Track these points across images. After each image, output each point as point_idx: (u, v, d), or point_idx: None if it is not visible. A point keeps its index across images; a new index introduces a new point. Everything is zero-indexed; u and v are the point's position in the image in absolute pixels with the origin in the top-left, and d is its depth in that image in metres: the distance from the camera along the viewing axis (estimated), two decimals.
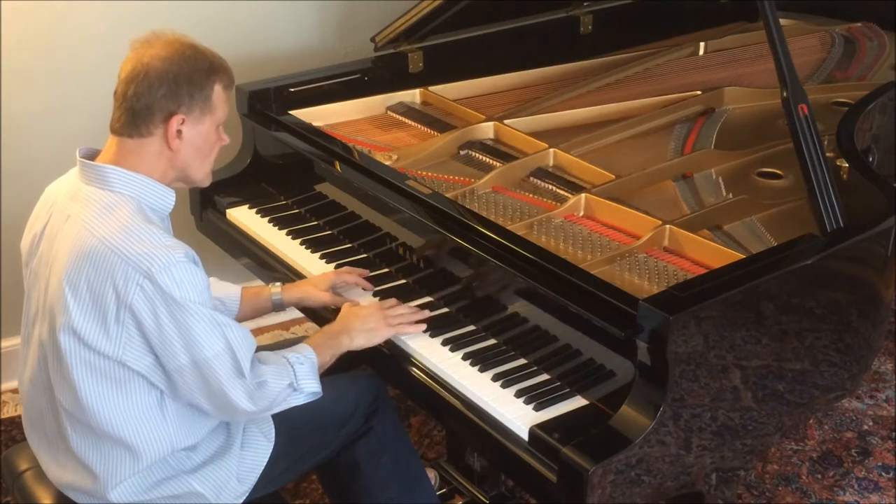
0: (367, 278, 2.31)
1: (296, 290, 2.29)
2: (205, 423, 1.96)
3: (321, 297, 2.26)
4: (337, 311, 2.20)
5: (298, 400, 1.98)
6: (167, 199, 1.92)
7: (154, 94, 1.83)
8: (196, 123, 1.88)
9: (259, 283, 2.52)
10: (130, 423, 1.86)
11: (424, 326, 2.12)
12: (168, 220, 1.98)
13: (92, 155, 1.92)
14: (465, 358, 2.04)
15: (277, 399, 1.94)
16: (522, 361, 2.02)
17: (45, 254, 1.90)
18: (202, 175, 1.96)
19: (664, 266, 2.08)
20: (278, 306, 2.30)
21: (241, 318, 2.26)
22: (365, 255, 2.41)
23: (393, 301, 2.18)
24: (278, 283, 2.30)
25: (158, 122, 1.85)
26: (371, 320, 2.10)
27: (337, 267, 2.37)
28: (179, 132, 1.86)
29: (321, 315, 2.30)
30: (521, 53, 3.06)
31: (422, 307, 2.19)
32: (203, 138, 1.91)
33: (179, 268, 1.78)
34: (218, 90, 1.90)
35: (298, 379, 1.95)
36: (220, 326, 1.83)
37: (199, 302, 1.81)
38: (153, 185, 1.89)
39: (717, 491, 2.02)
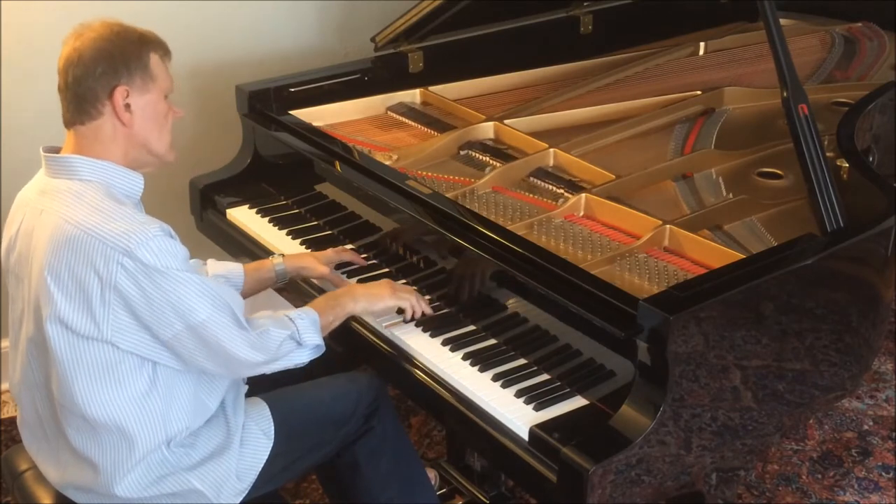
0: (366, 279, 2.31)
1: (298, 260, 2.33)
2: (198, 407, 1.97)
3: (320, 269, 2.30)
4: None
5: (303, 355, 2.00)
6: (135, 183, 1.93)
7: (92, 73, 1.86)
8: (142, 93, 1.90)
9: None
10: (121, 407, 1.87)
11: (429, 309, 2.15)
12: (141, 206, 1.98)
13: (54, 151, 1.94)
14: (465, 358, 2.04)
15: (281, 350, 1.95)
16: (522, 361, 2.02)
17: (24, 252, 1.91)
18: (163, 147, 1.97)
19: (664, 266, 2.08)
20: (281, 276, 2.33)
21: (246, 293, 2.29)
22: (365, 255, 2.41)
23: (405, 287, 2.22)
24: (280, 254, 2.34)
25: (104, 100, 1.87)
26: (376, 288, 2.15)
27: (337, 267, 2.37)
28: (128, 105, 1.88)
29: None
30: (521, 53, 3.06)
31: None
32: (153, 108, 1.92)
33: (157, 241, 1.80)
34: (154, 59, 1.92)
35: (300, 331, 1.98)
36: (207, 287, 1.86)
37: (182, 269, 1.83)
38: (119, 169, 1.90)
39: (717, 491, 2.02)
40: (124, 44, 1.88)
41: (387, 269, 2.35)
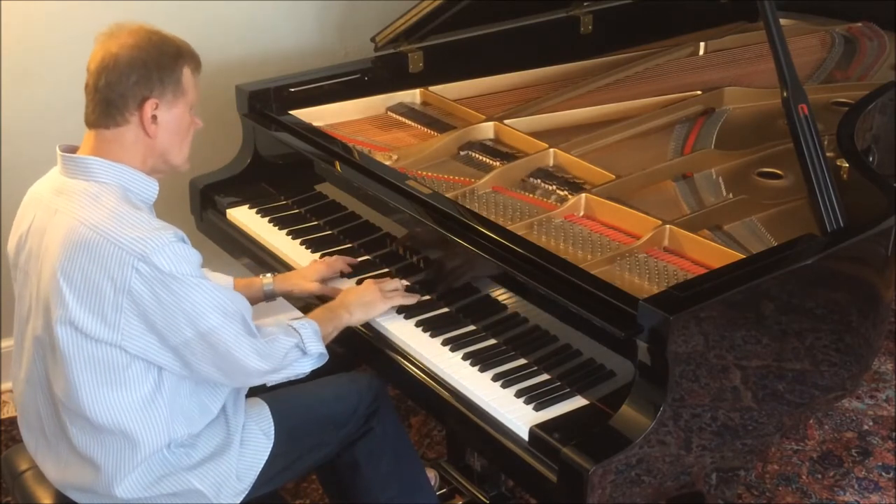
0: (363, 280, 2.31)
1: (286, 282, 2.33)
2: (202, 411, 1.97)
3: (309, 287, 2.30)
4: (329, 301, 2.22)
5: (306, 365, 2.01)
6: (151, 188, 1.94)
7: (126, 81, 1.85)
8: (170, 107, 1.90)
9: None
10: (126, 411, 1.87)
11: (417, 297, 2.19)
12: (153, 212, 1.98)
13: (71, 150, 1.94)
14: (465, 358, 2.04)
15: (287, 358, 1.96)
16: (522, 361, 2.02)
17: (34, 250, 1.91)
18: (181, 159, 1.98)
19: (664, 266, 2.08)
20: (269, 296, 2.34)
21: None
22: (365, 256, 2.41)
23: (387, 279, 2.24)
24: (269, 274, 2.35)
25: (133, 109, 1.87)
26: (367, 294, 2.16)
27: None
28: (154, 117, 1.89)
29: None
30: (521, 53, 3.06)
31: (422, 306, 2.19)
32: (178, 122, 1.93)
33: (172, 247, 1.81)
34: (187, 73, 1.92)
35: (305, 340, 1.99)
36: (219, 294, 1.86)
37: (197, 275, 1.84)
38: (136, 174, 1.91)
39: (717, 491, 2.02)
40: (161, 55, 1.88)
41: (386, 269, 2.35)
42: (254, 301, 2.32)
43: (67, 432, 1.92)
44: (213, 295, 1.85)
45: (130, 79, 1.85)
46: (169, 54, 1.89)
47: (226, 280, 2.28)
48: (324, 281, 2.31)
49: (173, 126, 1.92)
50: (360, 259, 2.39)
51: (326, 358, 2.04)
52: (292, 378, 2.02)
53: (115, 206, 1.84)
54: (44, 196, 1.93)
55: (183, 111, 1.93)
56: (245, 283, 2.32)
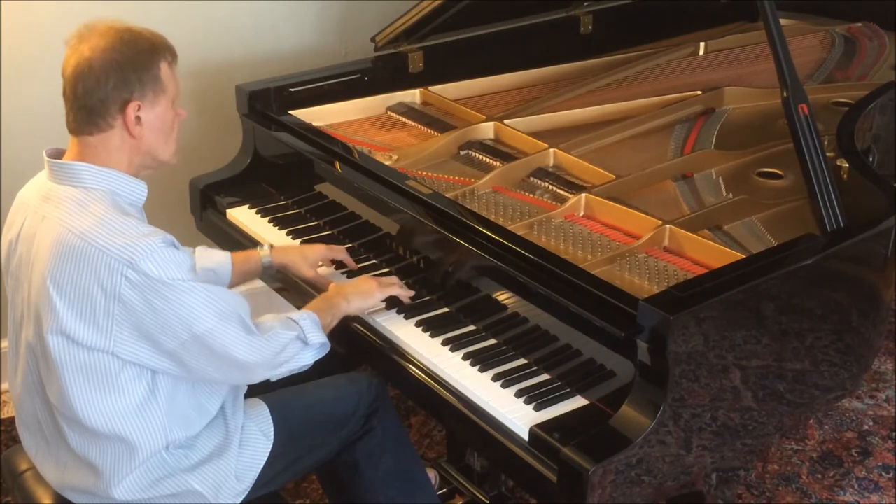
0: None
1: (285, 256, 2.33)
2: (200, 413, 1.97)
3: (305, 271, 2.30)
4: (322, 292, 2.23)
5: (308, 356, 2.00)
6: (139, 190, 1.93)
7: (104, 86, 1.83)
8: (152, 106, 1.88)
9: (260, 282, 2.53)
10: (121, 417, 1.87)
11: (413, 292, 2.20)
12: (143, 213, 1.98)
13: (58, 155, 1.92)
14: (465, 358, 2.04)
15: (287, 351, 1.96)
16: (522, 361, 2.02)
17: (24, 256, 1.90)
18: (168, 154, 1.96)
19: (664, 266, 2.08)
20: (268, 268, 2.33)
21: (232, 284, 2.29)
22: (365, 256, 2.41)
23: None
24: (268, 246, 2.34)
25: (115, 114, 1.85)
26: (364, 284, 2.18)
27: (336, 267, 2.37)
28: (138, 118, 1.86)
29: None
30: (521, 53, 3.06)
31: (422, 306, 2.19)
32: (162, 119, 1.91)
33: (161, 253, 1.79)
34: (164, 67, 1.89)
35: (305, 331, 1.99)
36: (213, 295, 1.85)
37: (188, 279, 1.82)
38: (124, 178, 1.89)
39: (718, 491, 2.02)
40: (135, 54, 1.85)
41: (386, 269, 2.35)
42: (253, 274, 2.34)
43: (65, 436, 1.92)
44: (206, 297, 1.84)
45: (108, 83, 1.83)
46: (143, 51, 1.86)
47: (223, 255, 2.27)
48: (318, 268, 2.31)
49: (158, 124, 1.90)
50: (359, 259, 2.39)
51: (328, 348, 2.04)
52: (296, 371, 2.02)
53: (102, 212, 1.83)
54: (31, 201, 1.92)
55: (166, 107, 1.91)
56: (243, 257, 2.32)
